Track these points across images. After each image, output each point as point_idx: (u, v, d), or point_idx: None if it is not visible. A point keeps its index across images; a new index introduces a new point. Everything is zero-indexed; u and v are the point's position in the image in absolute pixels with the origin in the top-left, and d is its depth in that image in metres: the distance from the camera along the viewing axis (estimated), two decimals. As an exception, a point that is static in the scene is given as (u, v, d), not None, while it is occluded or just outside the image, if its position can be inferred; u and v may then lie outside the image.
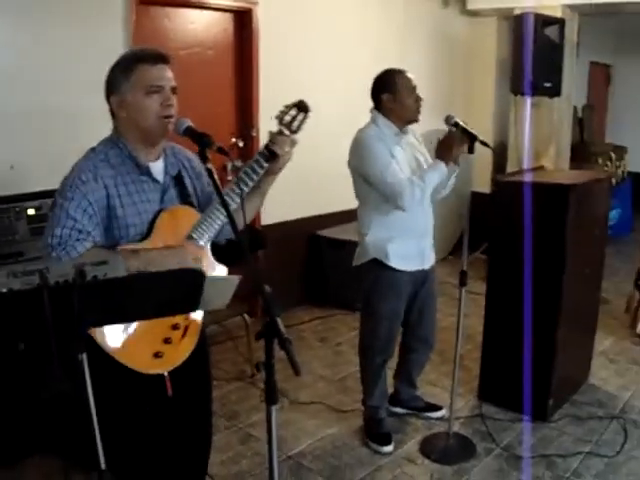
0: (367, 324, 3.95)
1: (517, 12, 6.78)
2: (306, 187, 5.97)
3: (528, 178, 4.21)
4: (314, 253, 6.24)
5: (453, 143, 3.56)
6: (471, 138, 3.54)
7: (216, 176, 2.09)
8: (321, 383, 4.81)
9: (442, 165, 3.56)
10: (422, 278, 3.89)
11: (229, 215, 2.02)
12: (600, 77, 11.98)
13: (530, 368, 4.13)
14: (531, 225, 4.01)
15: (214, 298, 2.01)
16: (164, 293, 1.87)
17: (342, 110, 6.12)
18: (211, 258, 2.45)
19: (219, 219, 2.35)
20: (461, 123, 3.57)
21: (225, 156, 2.21)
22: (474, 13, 7.97)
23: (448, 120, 3.58)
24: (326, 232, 6.20)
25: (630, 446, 4.07)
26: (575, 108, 9.61)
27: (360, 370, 4.09)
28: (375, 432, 4.03)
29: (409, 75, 3.69)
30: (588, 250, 4.41)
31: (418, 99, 3.67)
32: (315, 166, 5.98)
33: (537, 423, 4.27)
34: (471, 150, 3.56)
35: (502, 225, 4.14)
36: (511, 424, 4.26)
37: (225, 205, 2.05)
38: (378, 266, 3.73)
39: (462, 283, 3.71)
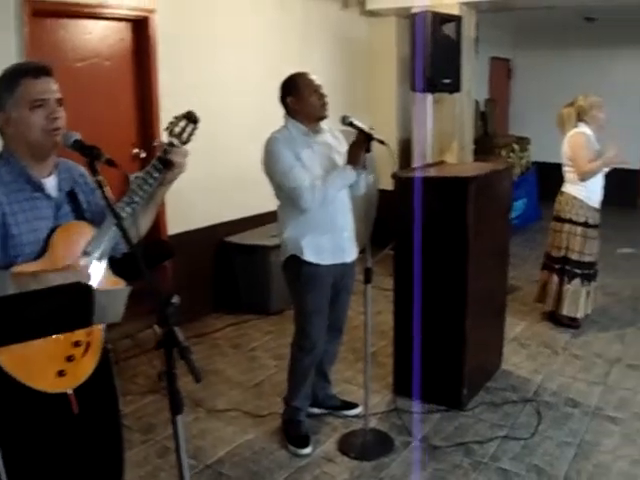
0: (297, 323, 4.00)
1: (415, 11, 6.87)
2: (213, 194, 5.96)
3: (425, 173, 4.30)
4: (224, 260, 6.22)
5: (362, 146, 3.63)
6: (367, 137, 3.60)
7: (107, 188, 2.07)
8: (237, 390, 4.79)
9: (349, 168, 3.66)
10: (342, 272, 3.95)
11: (121, 228, 2.00)
12: (501, 71, 12.28)
13: (422, 358, 4.27)
14: (432, 218, 4.11)
15: (107, 311, 2.00)
16: (52, 310, 1.84)
17: (246, 115, 6.13)
18: (107, 272, 2.42)
19: (113, 233, 2.33)
20: (356, 122, 3.63)
21: (115, 168, 2.18)
22: (374, 13, 8.07)
23: (344, 120, 3.64)
24: (235, 238, 6.18)
25: (544, 427, 4.22)
26: (477, 102, 9.84)
27: (288, 370, 4.10)
28: (293, 435, 4.04)
29: (311, 76, 3.78)
30: (491, 240, 4.52)
31: (322, 96, 3.75)
32: (220, 173, 5.98)
33: (453, 412, 4.37)
34: (368, 149, 3.61)
35: (404, 220, 4.19)
36: (427, 416, 4.34)
37: (117, 218, 2.04)
38: (297, 262, 3.81)
39: (367, 280, 3.75)
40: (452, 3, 7.22)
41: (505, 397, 4.60)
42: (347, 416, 4.34)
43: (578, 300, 5.73)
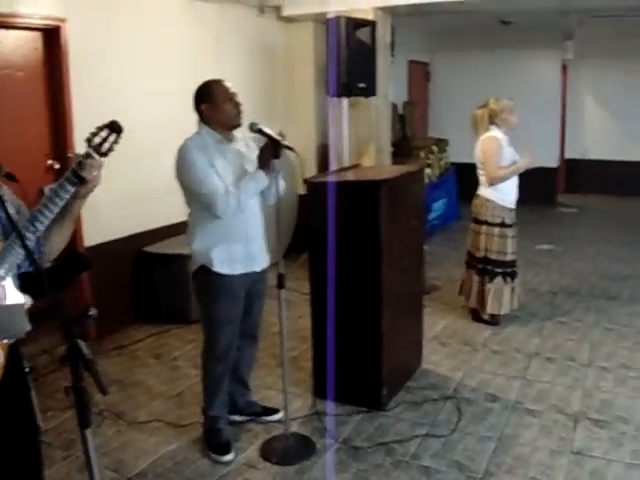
0: (207, 333, 3.96)
1: (330, 16, 6.90)
2: (129, 204, 5.88)
3: (338, 177, 4.33)
4: (143, 270, 6.15)
5: (269, 152, 3.64)
6: (276, 144, 3.61)
7: (21, 203, 2.04)
8: (158, 400, 4.74)
9: (262, 174, 3.67)
10: (254, 280, 3.94)
11: (23, 244, 1.97)
12: (419, 75, 12.44)
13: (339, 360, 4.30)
14: (345, 221, 4.14)
15: (8, 326, 1.96)
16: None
17: (161, 123, 6.07)
18: (11, 288, 2.37)
19: (18, 248, 2.28)
20: (265, 129, 3.64)
21: (14, 182, 2.14)
22: (290, 19, 8.07)
23: (252, 127, 3.64)
24: (153, 248, 6.12)
25: (464, 423, 4.29)
26: (395, 106, 9.94)
27: (202, 380, 4.06)
28: (215, 442, 4.02)
29: (226, 84, 3.76)
30: (405, 241, 4.56)
31: (237, 105, 3.74)
32: (137, 182, 5.92)
33: (373, 413, 4.40)
34: (277, 155, 3.63)
35: (317, 225, 4.20)
36: (348, 417, 4.35)
37: (19, 234, 2.00)
38: (206, 272, 3.78)
39: (280, 286, 3.76)
40: (367, 8, 7.27)
41: (425, 395, 4.65)
42: (269, 422, 4.32)
43: (501, 298, 5.84)
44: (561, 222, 11.13)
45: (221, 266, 3.76)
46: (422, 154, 9.24)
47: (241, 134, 3.90)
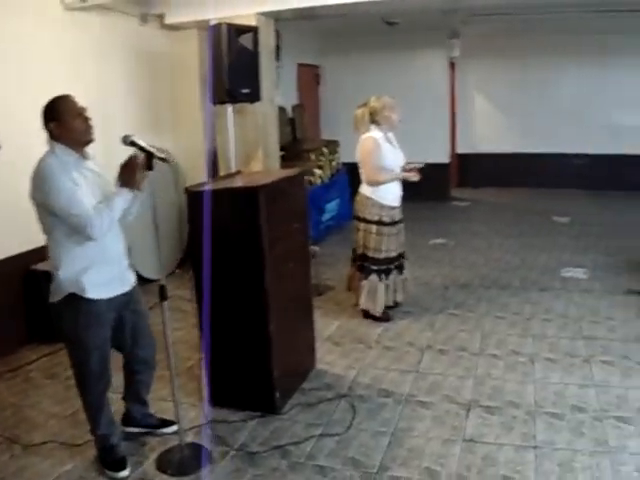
0: (76, 358, 3.81)
1: (212, 23, 6.86)
2: (13, 223, 5.71)
3: (218, 184, 4.32)
4: (33, 289, 5.99)
5: (135, 167, 3.57)
6: (149, 155, 3.56)
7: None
8: (53, 421, 4.61)
9: (126, 191, 3.57)
10: (125, 301, 3.84)
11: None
12: (309, 77, 12.48)
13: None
14: (226, 229, 4.14)
15: None
16: None
17: (38, 136, 5.91)
18: None
19: None
20: (138, 141, 3.58)
21: None
22: (174, 27, 7.99)
23: (125, 140, 3.57)
24: (42, 265, 5.97)
25: (359, 420, 4.35)
26: (285, 110, 9.98)
27: (82, 402, 3.95)
28: (109, 460, 3.94)
29: (73, 99, 3.61)
30: (289, 244, 4.57)
31: (86, 120, 3.60)
32: (18, 199, 5.75)
33: (269, 417, 4.40)
34: (150, 167, 3.57)
35: (198, 234, 4.16)
36: (244, 423, 4.35)
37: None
38: (76, 300, 3.61)
39: (162, 298, 3.71)
40: (249, 14, 7.25)
41: (320, 396, 4.69)
42: (165, 434, 4.27)
43: (375, 295, 5.93)
44: (454, 216, 11.36)
45: (93, 291, 3.62)
46: (313, 156, 9.29)
47: (92, 151, 3.78)
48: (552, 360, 5.20)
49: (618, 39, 12.33)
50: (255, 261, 4.14)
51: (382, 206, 5.82)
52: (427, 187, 10.94)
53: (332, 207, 9.44)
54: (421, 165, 5.92)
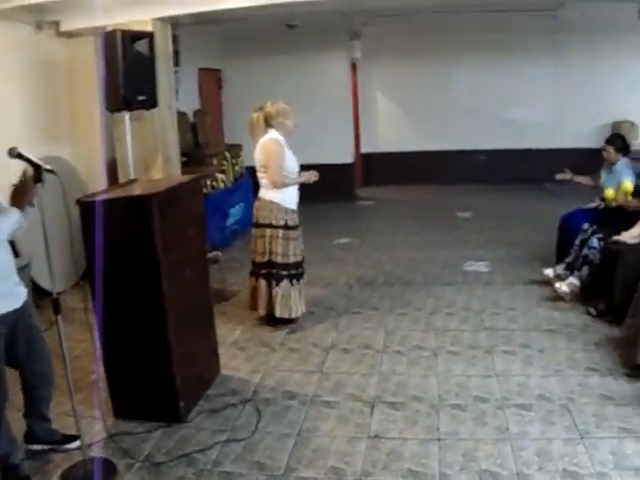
0: None
1: (108, 30, 6.74)
2: None
3: (110, 194, 4.27)
4: None
5: (27, 188, 3.49)
6: (37, 168, 3.49)
7: None
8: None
9: (16, 212, 3.50)
10: (16, 317, 3.75)
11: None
12: (211, 82, 12.41)
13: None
14: (120, 239, 4.08)
15: None
16: None
17: None
18: None
19: None
20: (25, 154, 3.50)
21: None
22: (70, 34, 7.82)
23: (11, 152, 3.49)
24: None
25: (264, 423, 4.36)
26: (186, 115, 9.90)
27: (-21, 423, 3.86)
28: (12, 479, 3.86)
29: None
30: (186, 250, 4.54)
31: None
32: None
33: (174, 427, 4.37)
34: (38, 179, 3.50)
35: (90, 245, 4.09)
36: (149, 434, 4.30)
37: None
38: None
39: (56, 311, 3.64)
40: (145, 20, 7.16)
41: (225, 402, 4.67)
42: (69, 449, 4.17)
43: (289, 301, 5.90)
44: (359, 215, 11.48)
45: None
46: (215, 161, 9.25)
47: None
48: (455, 353, 5.33)
49: (514, 37, 12.70)
50: (151, 269, 4.10)
51: (286, 210, 5.80)
52: (332, 188, 11.10)
53: (236, 211, 9.40)
54: None
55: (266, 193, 5.84)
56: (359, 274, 7.64)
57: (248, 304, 6.19)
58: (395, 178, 13.55)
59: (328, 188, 11.19)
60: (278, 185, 5.74)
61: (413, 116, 13.68)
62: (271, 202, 5.79)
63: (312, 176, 5.82)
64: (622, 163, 6.82)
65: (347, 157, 12.60)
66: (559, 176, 7.29)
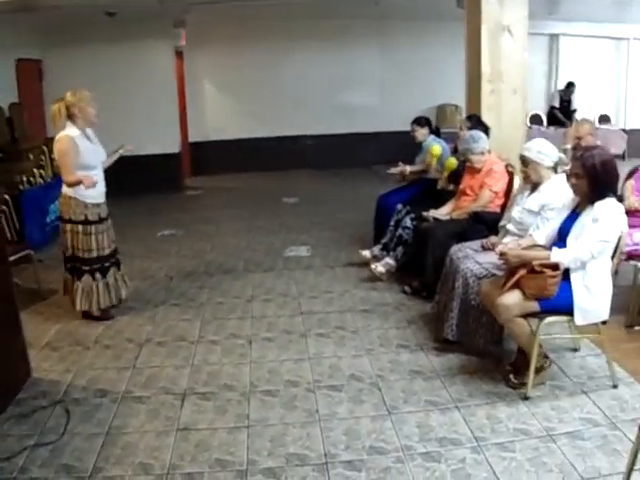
0: None
1: None
2: None
3: None
4: None
5: None
6: None
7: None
8: None
9: None
10: None
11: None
12: (31, 73, 11.98)
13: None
14: None
15: None
16: None
17: None
18: None
19: None
20: None
21: None
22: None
23: None
24: None
25: (74, 424, 4.30)
26: (2, 109, 9.55)
27: None
28: None
29: None
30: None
31: None
32: None
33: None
34: None
35: None
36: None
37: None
38: None
39: None
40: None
41: (35, 405, 4.57)
42: None
43: (91, 296, 5.85)
44: (186, 205, 11.47)
45: None
46: (32, 156, 8.98)
47: None
48: (269, 339, 5.47)
49: (342, 24, 13.00)
50: None
51: (86, 205, 5.70)
52: (159, 178, 11.08)
53: (56, 207, 9.12)
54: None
55: (67, 189, 5.74)
56: (181, 265, 7.66)
57: (62, 291, 6.14)
58: (225, 166, 13.64)
59: (155, 179, 11.22)
60: (70, 185, 5.65)
61: (242, 104, 13.80)
62: (70, 197, 5.71)
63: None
64: (429, 140, 7.21)
65: (174, 147, 12.48)
66: (393, 170, 7.60)
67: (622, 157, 14.18)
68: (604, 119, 15.47)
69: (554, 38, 15.40)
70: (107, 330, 5.82)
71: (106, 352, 5.39)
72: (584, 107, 14.55)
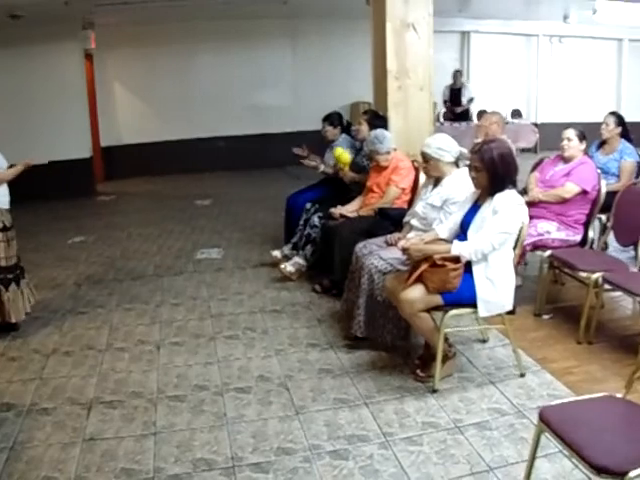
0: None
1: None
2: None
3: None
4: None
5: None
6: None
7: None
8: None
9: None
10: None
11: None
12: None
13: None
14: None
15: None
16: None
17: None
18: None
19: None
20: None
21: None
22: None
23: None
24: None
25: None
26: None
27: None
28: None
29: None
30: None
31: None
32: None
33: None
34: None
35: None
36: None
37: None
38: None
39: None
40: None
41: None
42: None
43: (18, 304, 5.71)
44: (98, 211, 11.26)
45: None
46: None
47: None
48: (178, 344, 5.41)
49: (252, 24, 12.98)
50: None
51: (1, 211, 5.54)
52: (70, 184, 10.88)
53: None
54: None
55: None
56: (89, 272, 7.51)
57: None
58: (138, 170, 13.49)
59: (66, 185, 11.01)
60: None
61: (154, 106, 13.70)
62: None
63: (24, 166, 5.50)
64: (340, 140, 7.25)
65: (85, 152, 12.25)
66: (296, 150, 7.60)
67: (534, 150, 14.57)
68: (516, 114, 15.88)
69: (465, 35, 15.73)
70: (13, 341, 5.64)
71: (11, 365, 5.21)
72: (483, 95, 14.97)
